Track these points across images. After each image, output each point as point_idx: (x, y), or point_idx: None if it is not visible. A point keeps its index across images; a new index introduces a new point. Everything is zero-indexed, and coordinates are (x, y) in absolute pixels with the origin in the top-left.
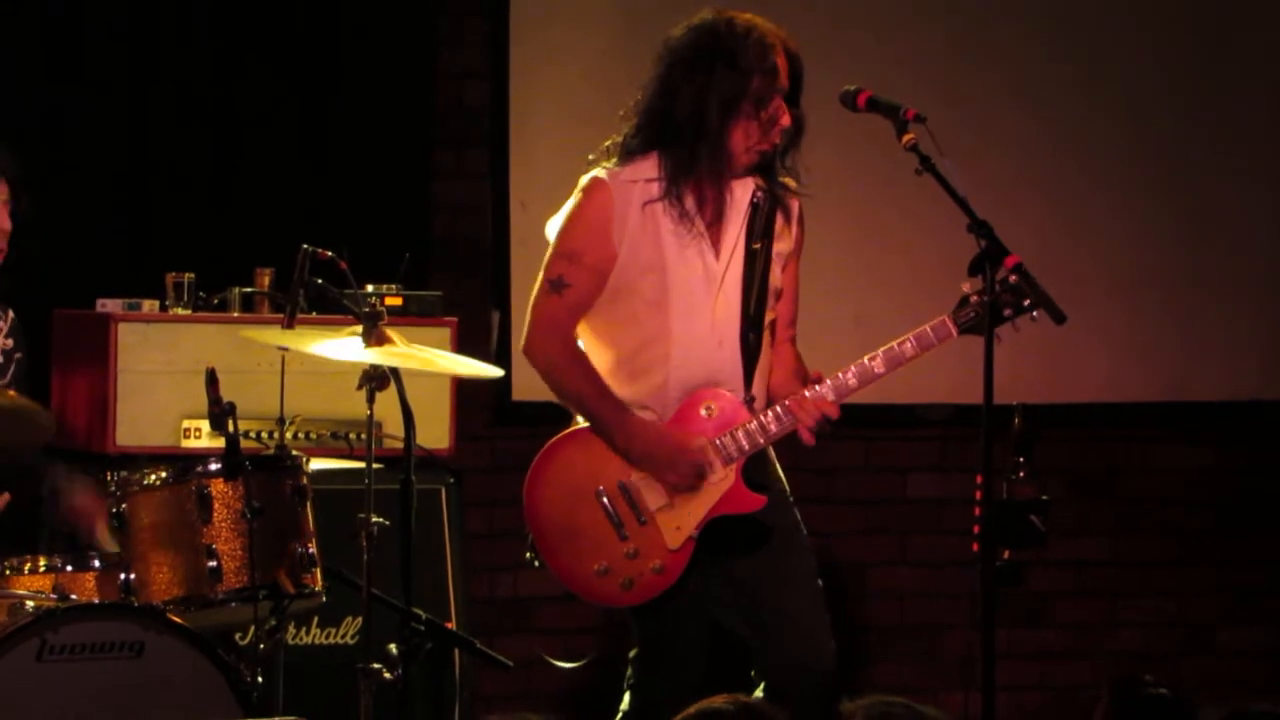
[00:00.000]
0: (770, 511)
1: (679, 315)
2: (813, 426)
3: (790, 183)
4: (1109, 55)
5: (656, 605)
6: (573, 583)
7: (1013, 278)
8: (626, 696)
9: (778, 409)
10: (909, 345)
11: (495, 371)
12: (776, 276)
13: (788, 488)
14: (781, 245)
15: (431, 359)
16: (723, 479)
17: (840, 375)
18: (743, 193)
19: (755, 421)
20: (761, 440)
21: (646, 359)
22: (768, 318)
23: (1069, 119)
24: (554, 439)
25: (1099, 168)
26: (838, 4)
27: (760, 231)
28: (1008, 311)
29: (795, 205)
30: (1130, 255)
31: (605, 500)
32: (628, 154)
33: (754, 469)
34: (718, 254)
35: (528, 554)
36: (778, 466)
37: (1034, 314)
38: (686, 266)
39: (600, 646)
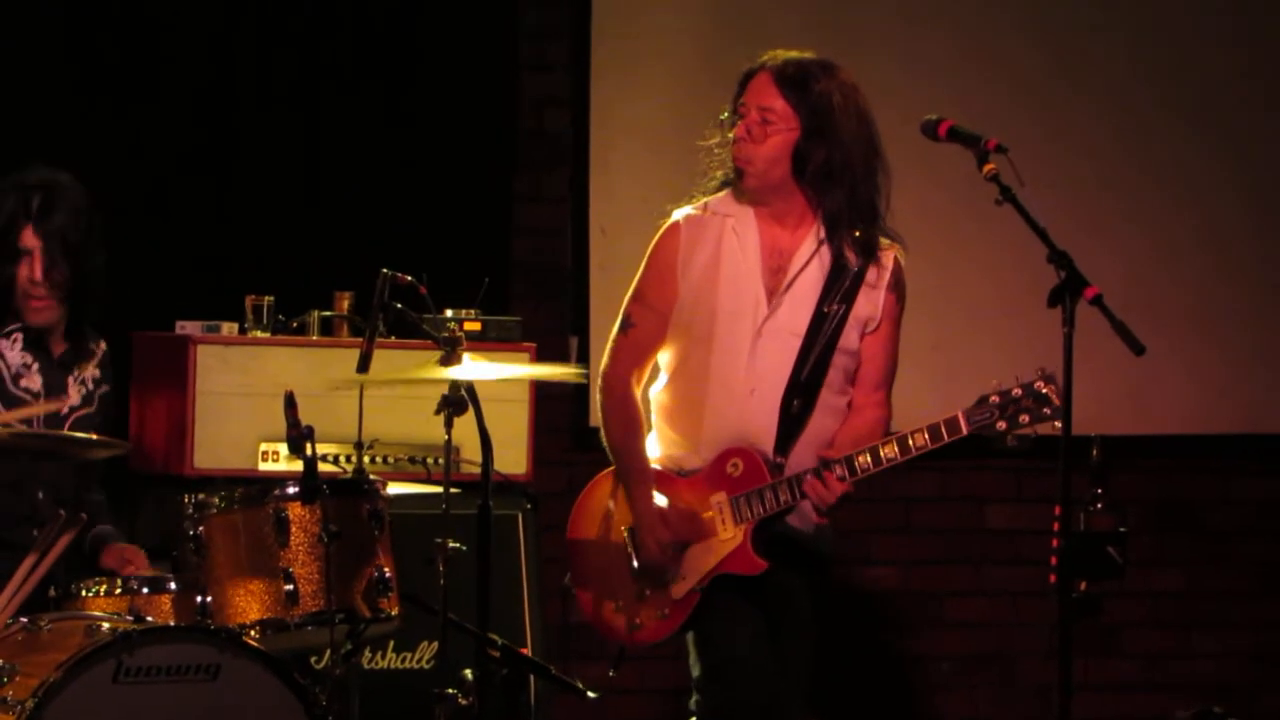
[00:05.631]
0: (790, 593)
1: (719, 356)
2: (823, 509)
3: (887, 243)
4: (1203, 86)
5: (717, 629)
6: (591, 614)
7: (1041, 385)
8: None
9: (793, 481)
10: (921, 436)
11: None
12: (851, 340)
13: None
14: (864, 309)
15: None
16: (731, 538)
17: (854, 456)
18: (822, 249)
19: (770, 489)
20: (774, 507)
21: (690, 401)
22: (828, 383)
23: (1155, 151)
24: (601, 473)
25: (1185, 199)
26: (930, 34)
27: (842, 294)
28: (1024, 418)
29: (890, 268)
30: (1209, 287)
31: (629, 539)
32: (726, 184)
33: (785, 544)
34: (769, 302)
35: (566, 579)
36: (823, 543)
37: (1053, 424)
38: (736, 308)
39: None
